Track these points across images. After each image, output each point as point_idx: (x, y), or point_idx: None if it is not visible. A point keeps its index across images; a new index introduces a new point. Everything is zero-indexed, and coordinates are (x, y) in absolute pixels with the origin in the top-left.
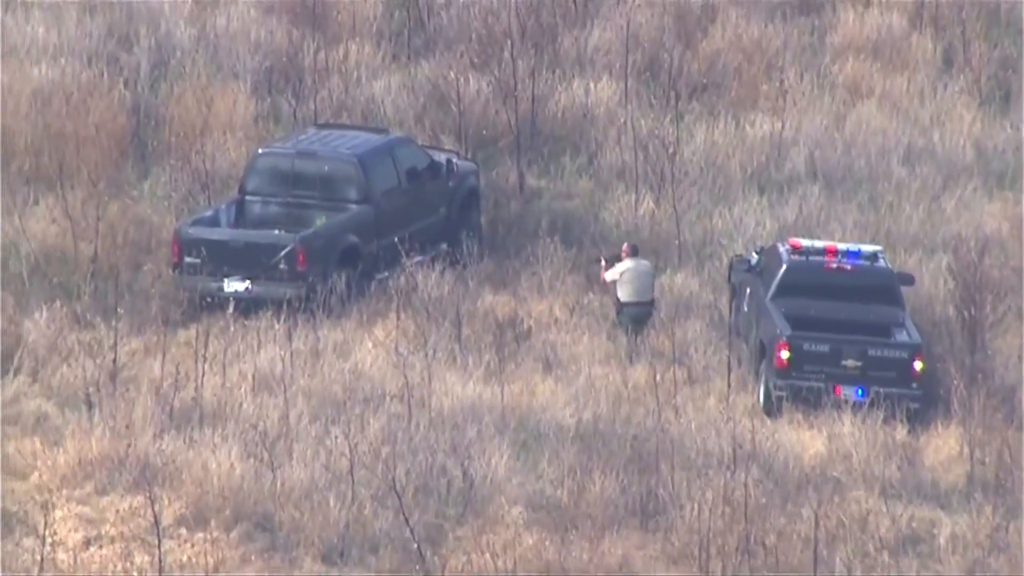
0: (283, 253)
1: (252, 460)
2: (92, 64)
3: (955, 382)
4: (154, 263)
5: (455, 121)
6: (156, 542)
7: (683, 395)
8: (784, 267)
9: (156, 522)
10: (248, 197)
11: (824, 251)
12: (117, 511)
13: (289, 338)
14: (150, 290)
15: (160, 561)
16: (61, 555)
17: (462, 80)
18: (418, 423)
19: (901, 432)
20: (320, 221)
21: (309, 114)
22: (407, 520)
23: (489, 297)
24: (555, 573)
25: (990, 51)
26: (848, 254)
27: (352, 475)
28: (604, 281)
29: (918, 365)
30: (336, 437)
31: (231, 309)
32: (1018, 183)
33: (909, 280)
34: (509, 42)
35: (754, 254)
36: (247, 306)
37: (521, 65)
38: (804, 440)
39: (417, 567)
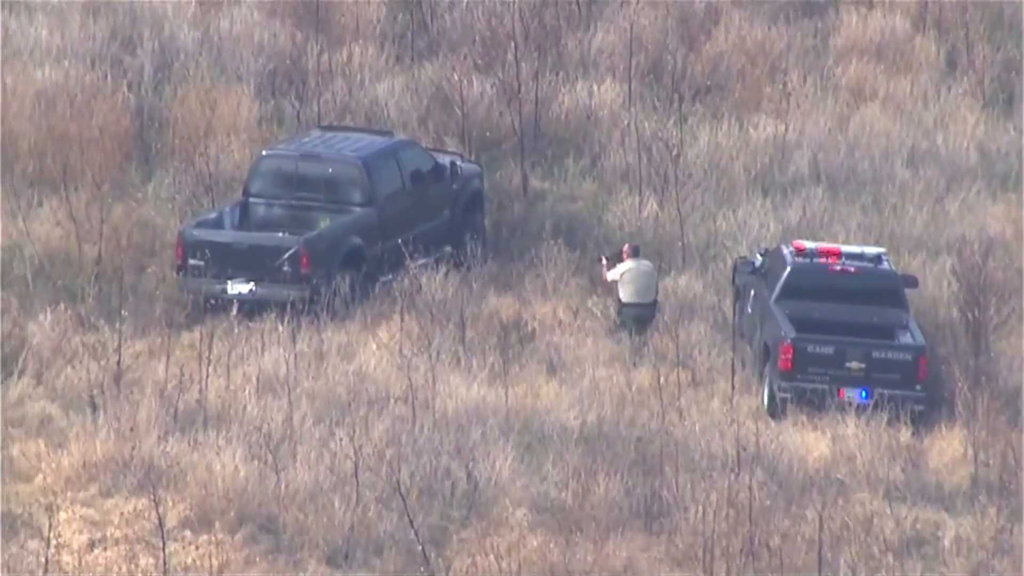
0: (287, 255)
1: (256, 462)
2: (96, 66)
3: (959, 384)
4: (158, 265)
5: (459, 123)
6: (160, 544)
7: (687, 397)
8: (788, 269)
9: (160, 524)
10: (252, 199)
11: (824, 253)
12: (121, 513)
13: (293, 340)
14: (154, 292)
15: (164, 563)
16: (65, 557)
17: (466, 82)
18: (422, 425)
19: (905, 434)
20: (324, 223)
21: (313, 116)
22: (411, 522)
23: (493, 299)
24: (559, 575)
25: (993, 53)
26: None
27: (356, 477)
28: (606, 281)
29: (922, 367)
30: (340, 439)
31: (235, 311)
32: (1021, 185)
33: (913, 282)
34: (513, 44)
35: (758, 256)
36: (251, 308)
37: (525, 67)
38: (808, 442)
39: (421, 569)
